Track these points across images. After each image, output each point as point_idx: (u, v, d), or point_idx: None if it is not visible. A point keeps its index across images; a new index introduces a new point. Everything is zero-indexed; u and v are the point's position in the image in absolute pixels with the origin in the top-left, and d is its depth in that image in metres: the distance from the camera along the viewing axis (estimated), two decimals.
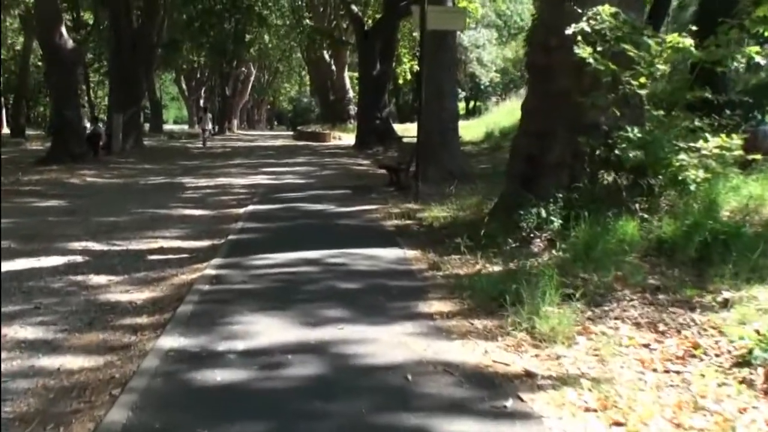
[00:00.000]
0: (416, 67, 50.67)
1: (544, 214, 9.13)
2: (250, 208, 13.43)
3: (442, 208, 12.47)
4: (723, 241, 7.38)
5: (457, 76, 19.05)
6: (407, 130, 36.05)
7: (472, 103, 55.51)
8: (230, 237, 10.21)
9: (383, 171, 17.67)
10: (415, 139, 27.44)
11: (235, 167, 23.17)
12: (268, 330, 5.82)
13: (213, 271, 7.91)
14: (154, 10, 33.82)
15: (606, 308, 6.21)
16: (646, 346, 5.32)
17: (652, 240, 8.04)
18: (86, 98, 56.68)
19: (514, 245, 8.94)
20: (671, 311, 6.05)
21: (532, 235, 9.06)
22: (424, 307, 6.59)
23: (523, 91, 43.88)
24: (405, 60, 44.79)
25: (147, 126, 52.14)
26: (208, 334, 5.71)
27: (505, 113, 37.47)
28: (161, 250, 9.48)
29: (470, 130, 31.68)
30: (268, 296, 6.89)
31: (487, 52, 52.72)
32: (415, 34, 46.64)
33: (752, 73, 18.79)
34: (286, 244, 9.40)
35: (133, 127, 31.56)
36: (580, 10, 9.67)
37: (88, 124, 29.56)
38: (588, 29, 9.53)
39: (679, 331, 5.58)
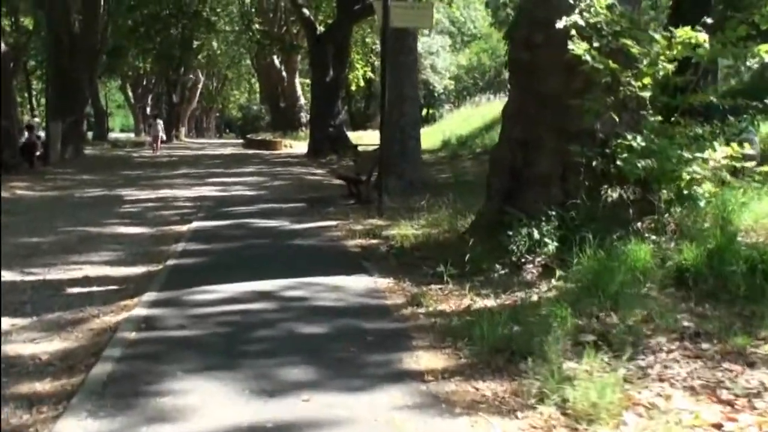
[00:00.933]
0: (369, 74, 49.56)
1: (536, 235, 7.79)
2: (195, 225, 11.89)
3: (409, 224, 11.11)
4: (763, 271, 6.10)
5: (417, 81, 17.58)
6: (360, 138, 34.62)
7: (425, 111, 54.31)
8: (169, 262, 8.67)
9: (341, 182, 16.24)
10: (371, 147, 26.23)
11: (181, 178, 21.54)
12: (209, 404, 4.30)
13: (143, 311, 6.37)
14: (94, 13, 31.84)
15: (642, 363, 4.83)
16: (718, 427, 3.95)
17: (670, 269, 6.72)
18: (28, 106, 54.65)
19: (502, 272, 7.59)
20: (726, 369, 4.71)
21: (523, 260, 7.71)
22: (410, 361, 5.14)
23: (478, 99, 42.80)
24: (358, 66, 43.38)
25: (90, 134, 50.05)
26: (126, 412, 4.16)
27: (460, 121, 36.36)
28: (85, 281, 7.89)
29: (426, 138, 30.14)
30: (210, 348, 5.36)
31: (441, 58, 51.52)
32: (368, 40, 45.50)
33: (734, 75, 17.83)
34: (235, 272, 7.91)
35: (74, 135, 29.64)
36: (571, 1, 8.40)
37: (26, 134, 27.79)
38: (582, 23, 8.27)
39: (749, 400, 4.23)
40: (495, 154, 9.35)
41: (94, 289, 7.49)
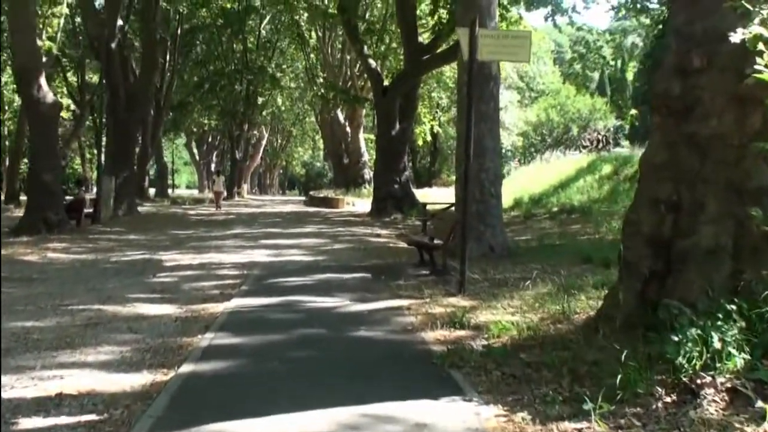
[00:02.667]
0: (437, 128, 47.41)
1: (716, 341, 5.15)
2: (234, 303, 9.42)
3: (501, 306, 8.57)
4: None
5: (499, 132, 15.08)
6: (426, 196, 32.25)
7: None
8: (184, 368, 6.17)
9: (410, 247, 13.71)
10: (440, 206, 23.73)
11: (232, 238, 19.22)
12: None
13: None
14: (153, 66, 30.10)
15: None
16: None
17: None
18: (79, 160, 53.53)
19: (668, 398, 4.95)
20: None
21: (698, 380, 5.05)
22: None
23: (548, 155, 40.12)
24: (425, 120, 41.17)
25: (152, 191, 48.61)
26: None
27: (530, 178, 33.73)
28: (56, 401, 5.40)
29: None
30: None
31: (509, 114, 49.16)
32: (434, 94, 43.43)
33: None
34: (272, 393, 5.39)
35: (127, 191, 27.76)
36: (751, 7, 5.88)
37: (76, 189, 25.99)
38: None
39: None
40: (631, 218, 6.71)
41: (61, 420, 4.99)
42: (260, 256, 15.12)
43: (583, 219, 22.13)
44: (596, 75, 31.36)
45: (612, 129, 49.42)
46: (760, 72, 5.48)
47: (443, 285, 10.62)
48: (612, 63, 28.81)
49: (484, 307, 8.76)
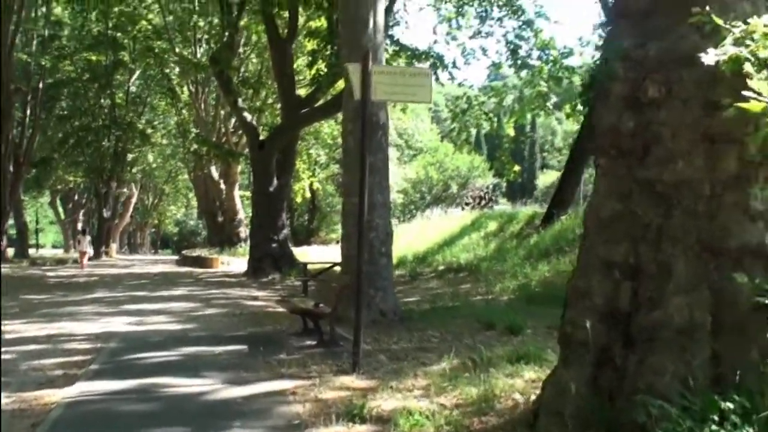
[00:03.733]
0: (317, 184, 45.96)
1: None
2: (77, 389, 7.56)
3: (405, 388, 7.12)
4: None
5: (389, 185, 13.72)
6: (305, 255, 30.67)
7: None
8: None
9: (292, 313, 12.04)
10: (321, 265, 22.16)
11: (91, 303, 17.06)
12: None
13: None
14: (4, 120, 27.42)
15: None
16: None
17: None
18: None
19: None
20: None
21: None
22: None
23: (429, 212, 39.26)
24: (304, 176, 39.73)
25: (12, 251, 45.06)
26: None
27: (413, 235, 32.69)
28: None
29: None
30: None
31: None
32: (312, 152, 42.07)
33: None
34: None
35: None
36: (722, 23, 4.74)
37: None
38: (747, 54, 4.57)
39: None
40: (578, 286, 5.36)
41: None
42: (120, 324, 13.15)
43: (472, 277, 21.07)
44: (474, 132, 30.91)
45: (491, 186, 49.37)
46: (740, 101, 4.30)
47: (333, 359, 9.03)
48: (493, 118, 28.05)
49: (385, 388, 7.24)
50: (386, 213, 13.51)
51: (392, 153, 50.30)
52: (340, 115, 37.11)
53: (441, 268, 24.38)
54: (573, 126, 65.95)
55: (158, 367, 8.86)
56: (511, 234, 25.75)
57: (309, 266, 20.96)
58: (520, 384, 7.05)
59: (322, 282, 13.06)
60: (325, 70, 24.16)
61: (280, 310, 13.76)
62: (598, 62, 7.49)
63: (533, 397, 6.44)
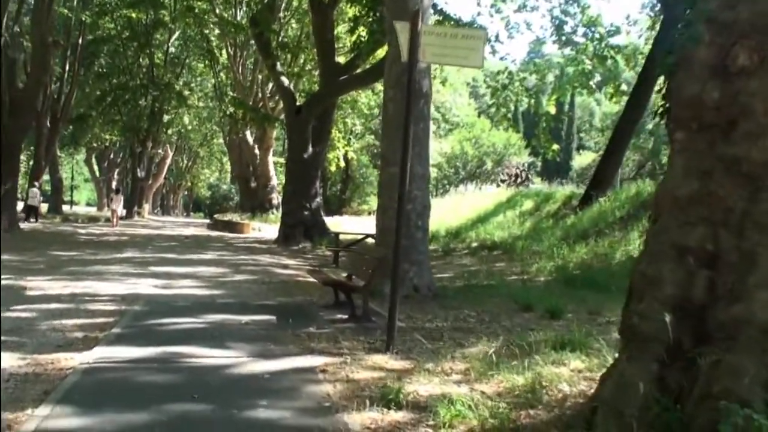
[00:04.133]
0: (351, 154, 45.45)
1: None
2: (96, 353, 7.16)
3: (443, 371, 6.66)
4: None
5: (429, 156, 13.10)
6: (337, 225, 30.23)
7: None
8: None
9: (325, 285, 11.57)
10: (353, 236, 21.70)
11: (119, 263, 16.75)
12: None
13: None
14: (41, 71, 27.04)
15: None
16: None
17: None
18: None
19: None
20: None
21: None
22: None
23: (464, 188, 38.64)
24: (339, 145, 39.18)
25: (46, 207, 45.14)
26: None
27: (445, 210, 32.05)
28: None
29: None
30: None
31: None
32: (348, 121, 41.47)
33: None
34: None
35: (8, 204, 24.83)
36: None
37: None
38: None
39: None
40: (645, 272, 4.78)
41: None
42: (146, 286, 12.79)
43: (506, 256, 20.50)
44: (513, 108, 30.29)
45: (526, 165, 48.57)
46: None
47: (365, 335, 8.56)
48: (534, 96, 27.31)
49: (421, 371, 6.75)
50: (425, 185, 12.97)
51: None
52: (378, 85, 36.67)
53: (474, 244, 23.82)
54: (613, 107, 64.83)
55: (182, 334, 8.44)
56: (548, 214, 25.10)
57: (341, 237, 20.56)
58: (566, 373, 6.52)
59: (355, 254, 12.53)
60: (366, 36, 23.49)
61: (311, 280, 13.33)
62: (672, 30, 6.85)
63: (581, 389, 5.94)
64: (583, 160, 69.23)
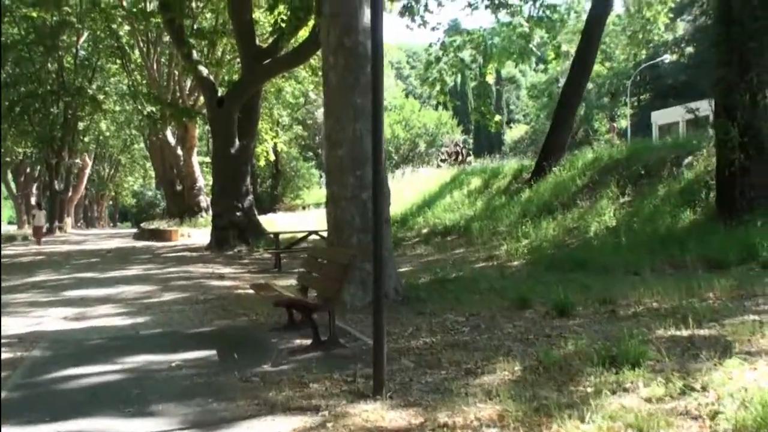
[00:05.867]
0: (281, 145, 42.83)
1: None
2: None
3: (469, 426, 4.52)
4: None
5: (383, 132, 10.69)
6: (272, 224, 27.92)
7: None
8: None
9: (270, 298, 9.15)
10: (294, 234, 19.33)
11: (28, 290, 14.07)
12: None
13: None
14: None
15: None
16: None
17: None
18: None
19: None
20: None
21: None
22: None
23: (400, 173, 36.61)
24: (267, 137, 36.61)
25: None
26: None
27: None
28: None
29: None
30: None
31: None
32: (275, 112, 38.88)
33: None
34: None
35: None
36: None
37: None
38: None
39: None
40: None
41: None
42: (55, 320, 10.29)
43: (463, 240, 18.53)
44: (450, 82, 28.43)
45: (461, 142, 46.79)
46: None
47: (339, 371, 6.26)
48: (467, 66, 25.36)
49: (435, 428, 4.56)
50: (380, 168, 10.72)
51: None
52: (303, 72, 34.28)
53: (425, 231, 21.83)
54: (541, 77, 63.52)
55: (90, 395, 6.01)
56: (498, 190, 23.22)
57: (281, 236, 18.27)
58: (647, 409, 4.44)
59: (308, 257, 10.24)
60: (288, 15, 21.06)
61: (251, 291, 11.02)
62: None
63: None
64: (514, 133, 67.96)
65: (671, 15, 30.61)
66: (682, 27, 46.38)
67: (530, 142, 63.20)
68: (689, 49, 50.72)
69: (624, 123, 50.78)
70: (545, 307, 8.55)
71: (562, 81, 53.38)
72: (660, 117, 40.49)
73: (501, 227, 18.39)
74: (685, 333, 6.62)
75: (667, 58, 47.92)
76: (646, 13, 27.95)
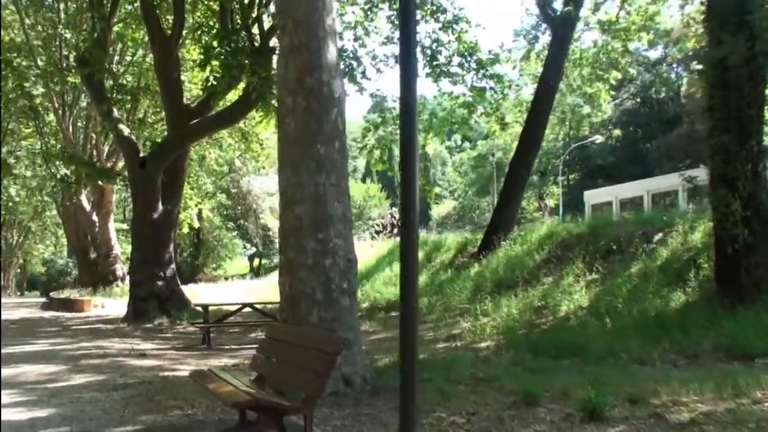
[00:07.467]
0: (207, 212, 40.51)
1: None
2: None
3: None
4: None
5: (349, 190, 8.87)
6: (194, 294, 25.62)
7: (258, 261, 45.07)
8: None
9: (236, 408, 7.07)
10: (222, 307, 17.30)
11: None
12: None
13: None
14: None
15: None
16: None
17: None
18: None
19: None
20: None
21: None
22: None
23: None
24: (191, 203, 34.38)
25: None
26: None
27: None
28: None
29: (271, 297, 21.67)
30: None
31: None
32: (200, 179, 36.75)
33: None
34: None
35: None
36: None
37: None
38: None
39: None
40: None
41: None
42: None
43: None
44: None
45: (391, 214, 45.40)
46: None
47: None
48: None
49: None
50: (348, 230, 8.94)
51: None
52: (228, 138, 32.42)
53: (365, 305, 19.93)
54: (470, 153, 63.00)
55: None
56: (443, 264, 21.61)
57: (210, 308, 16.15)
58: None
59: (269, 339, 8.12)
60: (221, 71, 19.24)
61: (183, 374, 8.96)
62: None
63: None
64: (441, 208, 67.12)
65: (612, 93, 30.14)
66: (609, 109, 46.51)
67: (458, 217, 62.23)
68: (617, 132, 50.99)
69: (552, 202, 50.29)
70: (561, 405, 6.79)
71: (498, 155, 52.50)
72: (592, 196, 40.04)
73: (453, 303, 16.72)
74: None
75: (598, 138, 47.93)
76: (586, 90, 27.27)
